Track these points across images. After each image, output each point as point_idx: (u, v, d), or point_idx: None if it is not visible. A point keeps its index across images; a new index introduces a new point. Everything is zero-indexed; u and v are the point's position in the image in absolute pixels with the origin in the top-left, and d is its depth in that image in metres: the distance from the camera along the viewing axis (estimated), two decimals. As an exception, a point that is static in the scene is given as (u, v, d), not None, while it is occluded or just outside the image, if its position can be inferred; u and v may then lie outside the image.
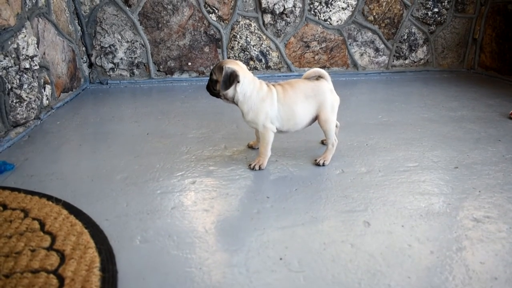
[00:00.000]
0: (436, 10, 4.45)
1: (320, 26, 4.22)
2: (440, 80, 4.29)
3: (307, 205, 1.80)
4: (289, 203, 1.82)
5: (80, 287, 1.36)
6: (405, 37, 4.48)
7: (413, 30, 4.47)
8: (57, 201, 1.85)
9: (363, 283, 1.34)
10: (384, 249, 1.51)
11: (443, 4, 4.44)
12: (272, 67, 4.24)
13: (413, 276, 1.38)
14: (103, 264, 1.47)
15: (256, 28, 4.10)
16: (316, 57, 4.30)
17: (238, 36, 4.09)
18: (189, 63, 4.11)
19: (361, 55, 4.41)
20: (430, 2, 4.40)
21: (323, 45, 4.28)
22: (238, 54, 4.14)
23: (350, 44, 4.35)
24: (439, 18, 4.49)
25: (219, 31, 4.05)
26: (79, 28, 3.81)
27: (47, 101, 3.04)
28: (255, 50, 4.16)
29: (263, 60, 4.19)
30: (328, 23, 4.23)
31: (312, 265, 1.43)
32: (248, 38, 4.11)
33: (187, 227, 1.65)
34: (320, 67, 4.29)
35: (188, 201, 1.85)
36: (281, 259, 1.46)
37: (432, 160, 2.27)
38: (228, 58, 4.13)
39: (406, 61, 4.57)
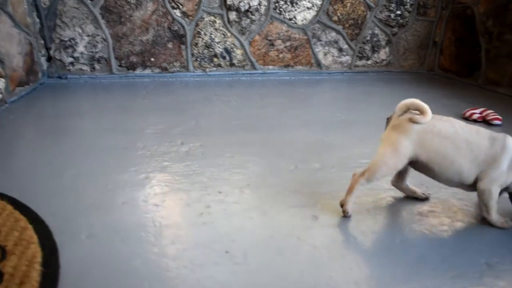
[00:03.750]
0: (398, 12, 4.55)
1: (285, 25, 4.25)
2: (401, 81, 4.39)
3: (258, 200, 1.81)
4: (240, 198, 1.82)
5: (19, 282, 1.33)
6: (368, 38, 4.56)
7: (376, 32, 4.56)
8: (1, 196, 1.80)
9: (305, 274, 1.36)
10: (329, 242, 1.53)
11: (405, 7, 4.54)
12: (236, 64, 4.25)
13: (354, 267, 1.41)
14: (45, 259, 1.44)
15: (221, 25, 4.10)
16: (281, 55, 4.33)
17: (202, 32, 4.08)
18: (152, 59, 4.07)
19: (325, 54, 4.46)
20: (393, 5, 4.49)
21: (288, 43, 4.31)
22: (202, 51, 4.13)
23: (314, 44, 4.40)
24: (401, 21, 4.59)
25: (183, 27, 4.03)
26: (37, 20, 3.72)
27: (0, 95, 2.95)
28: (219, 47, 4.15)
29: (227, 57, 4.19)
30: (293, 22, 4.26)
31: (257, 257, 1.44)
32: (212, 35, 4.10)
33: (135, 222, 1.64)
34: (284, 66, 4.34)
35: (139, 196, 1.83)
36: (227, 252, 1.46)
37: (385, 157, 2.31)
38: (192, 54, 4.11)
39: (369, 62, 4.65)
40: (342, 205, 1.72)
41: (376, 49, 4.62)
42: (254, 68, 4.30)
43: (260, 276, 1.35)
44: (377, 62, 4.68)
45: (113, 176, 2.00)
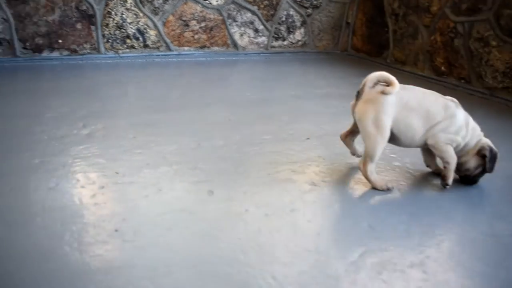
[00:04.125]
0: (313, -6, 4.66)
1: (200, 5, 4.21)
2: (315, 61, 4.52)
3: (156, 178, 1.80)
4: (137, 177, 1.81)
5: None
6: (284, 19, 4.63)
7: (291, 13, 4.64)
8: None
9: (194, 247, 1.39)
10: (222, 215, 1.57)
11: (319, -12, 4.66)
12: (150, 46, 4.15)
13: (243, 237, 1.45)
14: None
15: (132, 5, 3.97)
16: (196, 36, 4.29)
17: (113, 12, 3.94)
18: (60, 41, 3.87)
19: (241, 35, 4.48)
20: (307, -14, 4.59)
21: (203, 24, 4.27)
22: (114, 32, 3.99)
23: (230, 24, 4.39)
24: (315, 2, 4.70)
25: (92, 6, 3.86)
26: None
27: None
28: (131, 28, 4.03)
29: (140, 38, 4.09)
30: (208, 2, 4.23)
31: (148, 234, 1.44)
32: (124, 15, 3.97)
33: (23, 207, 1.57)
34: (200, 47, 4.31)
35: (31, 181, 1.76)
36: (116, 231, 1.45)
37: (288, 132, 2.39)
38: (103, 35, 3.96)
39: (285, 42, 4.73)
40: (376, 188, 1.83)
41: (291, 30, 4.71)
42: (169, 50, 4.23)
43: (147, 252, 1.35)
44: (293, 43, 4.77)
45: (3, 162, 1.89)
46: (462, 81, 3.76)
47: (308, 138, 2.32)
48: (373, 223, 1.58)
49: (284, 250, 1.40)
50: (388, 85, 1.79)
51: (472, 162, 1.87)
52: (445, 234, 1.56)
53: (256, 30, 4.53)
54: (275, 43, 4.68)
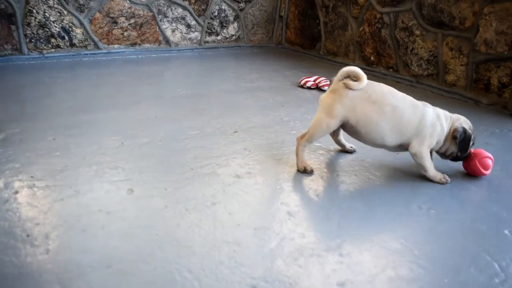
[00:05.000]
0: (245, -12, 4.66)
1: (128, 1, 4.10)
2: (249, 55, 4.53)
3: (73, 180, 1.74)
4: (53, 180, 1.74)
5: None
6: (216, 13, 4.61)
7: (223, 7, 4.63)
8: None
9: (109, 247, 1.35)
10: (140, 213, 1.54)
11: (251, -18, 4.67)
12: (78, 44, 4.01)
13: (161, 233, 1.43)
14: None
15: (55, 3, 3.81)
16: (126, 33, 4.18)
17: (34, 11, 3.75)
18: (-23, 42, 3.65)
19: (173, 31, 4.42)
20: (239, -19, 4.59)
21: (132, 21, 4.17)
22: (37, 31, 3.81)
23: (160, 20, 4.32)
24: (247, -4, 4.72)
25: (11, 5, 3.67)
26: None
27: None
28: (56, 27, 3.87)
29: (66, 37, 3.93)
30: (137, -2, 4.13)
31: (61, 237, 1.39)
32: (46, 14, 3.80)
33: None
34: (131, 44, 4.21)
35: None
36: (28, 236, 1.39)
37: (215, 126, 2.38)
38: (25, 35, 3.77)
39: (219, 37, 4.72)
40: (297, 168, 1.93)
41: (224, 24, 4.70)
42: (98, 48, 4.10)
43: (59, 255, 1.31)
44: (227, 38, 4.77)
45: None
46: (390, 70, 3.91)
47: (235, 132, 2.33)
48: (293, 211, 1.62)
49: (202, 243, 1.40)
50: (356, 80, 1.85)
51: (452, 147, 1.92)
52: (363, 217, 1.62)
53: (188, 26, 4.49)
54: (208, 38, 4.65)
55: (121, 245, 1.37)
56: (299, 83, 3.41)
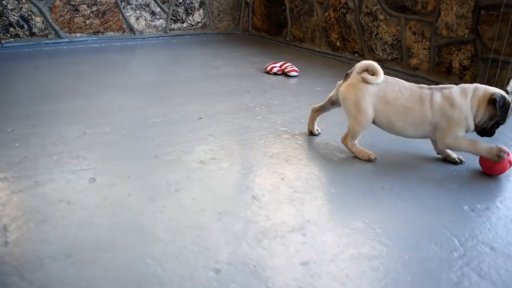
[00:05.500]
0: (210, -26, 4.60)
1: (89, -12, 3.99)
2: (215, 42, 4.50)
3: (33, 171, 1.70)
4: (12, 172, 1.69)
5: None
6: (181, 0, 4.54)
7: (188, -6, 4.56)
8: None
9: (70, 237, 1.33)
10: (102, 202, 1.52)
11: (216, -32, 4.61)
12: (38, 33, 3.88)
13: (123, 221, 1.42)
14: None
15: (12, -9, 3.67)
16: (88, 21, 4.08)
17: (-10, -1, 3.61)
18: None
19: (137, 19, 4.33)
20: (203, -33, 4.52)
21: (94, 8, 4.07)
22: (-7, 20, 3.67)
23: (124, 8, 4.23)
24: (212, -18, 4.66)
25: (-36, -7, 3.52)
26: None
27: None
28: (14, 15, 3.73)
29: (25, 26, 3.80)
30: (98, -15, 4.02)
31: (20, 229, 1.36)
32: (4, 2, 3.66)
33: None
34: (94, 33, 4.11)
35: None
36: (-17, 229, 1.35)
37: (180, 114, 2.36)
38: (-19, 25, 3.63)
39: (184, 25, 4.66)
40: (359, 158, 1.98)
41: (190, 11, 4.63)
42: (59, 37, 3.98)
43: (18, 247, 1.28)
44: (193, 25, 4.71)
45: None
46: (356, 55, 3.95)
47: (200, 118, 2.31)
48: (257, 194, 1.62)
49: (165, 229, 1.39)
50: (373, 75, 1.89)
51: (486, 115, 1.83)
52: (327, 198, 1.64)
53: (153, 13, 4.41)
54: (174, 26, 4.59)
55: (82, 234, 1.34)
56: (265, 69, 3.41)
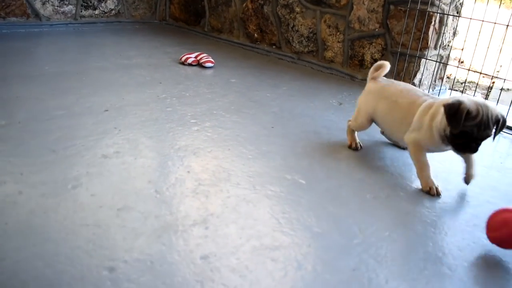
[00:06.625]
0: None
1: (-14, -31, 3.67)
2: (130, 31, 4.34)
3: None
4: None
5: None
6: (92, -14, 4.32)
7: (100, -21, 4.35)
8: None
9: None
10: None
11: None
12: None
13: (12, 221, 1.32)
14: None
15: None
16: (-14, 5, 3.75)
17: None
18: None
19: (44, 4, 4.05)
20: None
21: (-7, -9, 3.75)
22: None
23: (28, -9, 3.94)
24: (126, -32, 4.48)
25: None
26: None
27: None
28: None
29: None
30: (-3, -34, 3.71)
31: None
32: None
33: None
34: (-7, 17, 3.79)
35: None
36: None
37: (85, 106, 2.25)
38: None
39: (96, 12, 4.44)
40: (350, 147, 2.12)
41: (102, -2, 4.43)
42: (-48, 21, 3.63)
43: None
44: (105, 12, 4.50)
45: None
46: (273, 47, 3.99)
47: (106, 110, 2.22)
48: (160, 188, 1.59)
49: (58, 228, 1.32)
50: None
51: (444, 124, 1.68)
52: (232, 191, 1.64)
53: (61, -2, 4.15)
54: (85, 13, 4.35)
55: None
56: (180, 60, 3.34)
